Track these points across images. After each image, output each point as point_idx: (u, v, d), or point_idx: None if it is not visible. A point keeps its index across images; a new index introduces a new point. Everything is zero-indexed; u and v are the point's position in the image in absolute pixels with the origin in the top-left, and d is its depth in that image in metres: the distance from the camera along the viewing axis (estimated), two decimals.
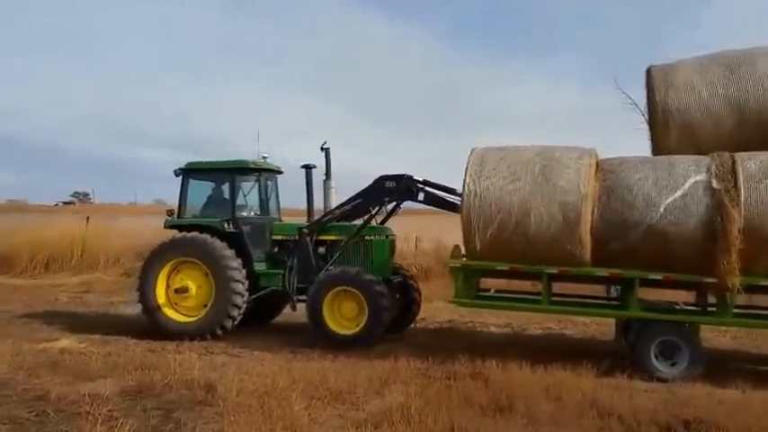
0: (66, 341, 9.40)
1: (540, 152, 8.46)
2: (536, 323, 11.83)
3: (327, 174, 10.67)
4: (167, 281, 10.19)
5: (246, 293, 10.02)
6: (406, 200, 10.09)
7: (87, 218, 21.16)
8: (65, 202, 63.39)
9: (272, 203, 11.40)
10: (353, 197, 10.31)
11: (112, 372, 7.44)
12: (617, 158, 8.44)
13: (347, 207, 10.30)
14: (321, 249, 10.47)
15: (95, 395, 6.30)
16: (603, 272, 8.19)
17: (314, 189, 10.92)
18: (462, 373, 7.63)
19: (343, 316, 9.61)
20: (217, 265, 9.87)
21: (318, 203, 11.07)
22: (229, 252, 9.95)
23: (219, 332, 9.88)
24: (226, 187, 10.69)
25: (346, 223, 10.43)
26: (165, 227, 10.75)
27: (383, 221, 10.58)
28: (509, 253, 8.25)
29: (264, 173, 11.11)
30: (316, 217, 10.79)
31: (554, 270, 8.21)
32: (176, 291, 10.13)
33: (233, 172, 10.61)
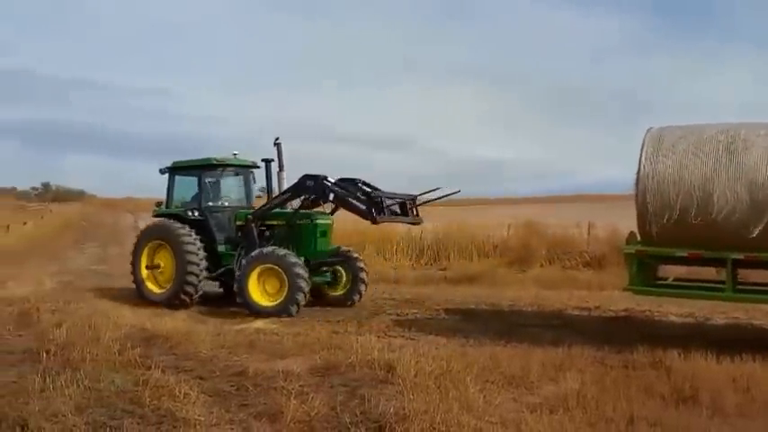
0: (260, 322, 10.31)
1: (724, 130, 7.88)
2: (721, 312, 10.99)
3: (280, 166, 12.02)
4: (148, 259, 12.21)
5: (203, 270, 11.71)
6: (320, 198, 11.35)
7: None
8: (260, 190, 68.53)
9: (242, 194, 13.17)
10: (284, 191, 11.93)
11: (301, 351, 8.00)
12: None
13: (280, 199, 11.90)
14: (267, 233, 11.99)
15: (288, 372, 6.79)
16: None
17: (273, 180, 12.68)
18: (641, 362, 7.37)
19: (267, 290, 10.99)
20: (177, 244, 11.69)
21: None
22: (187, 233, 11.70)
23: (186, 299, 11.64)
24: (196, 181, 12.57)
25: (284, 210, 11.93)
26: (152, 216, 13.15)
27: (306, 208, 11.72)
28: (689, 238, 7.79)
29: (233, 168, 12.93)
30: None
31: (740, 256, 7.63)
32: (150, 267, 12.17)
33: (201, 168, 12.53)
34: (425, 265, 19.60)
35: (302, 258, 11.22)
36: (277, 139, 12.24)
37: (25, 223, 33.05)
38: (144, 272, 12.23)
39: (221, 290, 12.92)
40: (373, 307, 12.15)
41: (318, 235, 11.82)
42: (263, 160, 12.59)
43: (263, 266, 11.00)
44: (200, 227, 12.07)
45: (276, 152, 12.36)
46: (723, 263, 7.82)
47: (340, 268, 12.32)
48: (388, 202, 10.92)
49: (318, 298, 12.10)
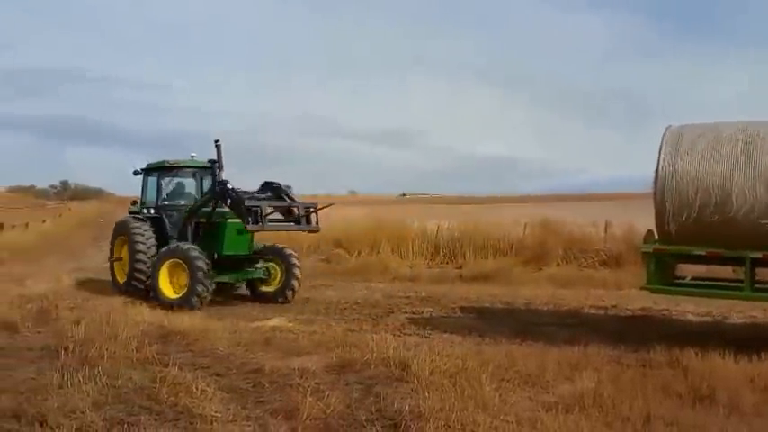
0: (276, 320, 10.39)
1: (744, 128, 7.80)
2: (738, 312, 10.87)
3: (220, 166, 12.52)
4: (117, 252, 13.44)
5: (149, 259, 12.44)
6: (222, 200, 12.04)
7: None
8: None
9: (195, 192, 13.83)
10: (205, 193, 13.06)
11: (317, 348, 8.01)
12: None
13: (203, 200, 12.85)
14: (199, 231, 12.79)
15: (304, 369, 6.82)
16: None
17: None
18: (658, 361, 7.33)
19: (178, 283, 11.63)
20: (130, 237, 12.82)
21: None
22: (138, 228, 12.87)
23: (138, 285, 12.49)
24: (155, 181, 13.65)
25: (206, 209, 12.52)
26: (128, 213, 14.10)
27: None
28: (707, 236, 7.73)
29: (190, 169, 13.75)
30: None
31: (758, 255, 7.55)
32: (115, 259, 13.44)
33: (159, 170, 13.64)
34: (441, 263, 19.55)
35: (216, 254, 12.11)
36: (217, 141, 12.76)
37: (44, 221, 33.40)
38: (117, 264, 13.45)
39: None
40: (388, 305, 12.16)
41: (233, 233, 12.26)
42: (208, 161, 12.85)
43: (171, 261, 11.73)
44: (157, 223, 13.22)
45: (216, 153, 12.71)
46: (741, 262, 7.75)
47: (274, 265, 12.96)
48: (269, 210, 11.53)
49: (253, 293, 13.07)
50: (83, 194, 76.96)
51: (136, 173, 13.89)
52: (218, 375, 6.73)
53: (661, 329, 9.41)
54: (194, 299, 11.32)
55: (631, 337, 8.53)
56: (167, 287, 11.66)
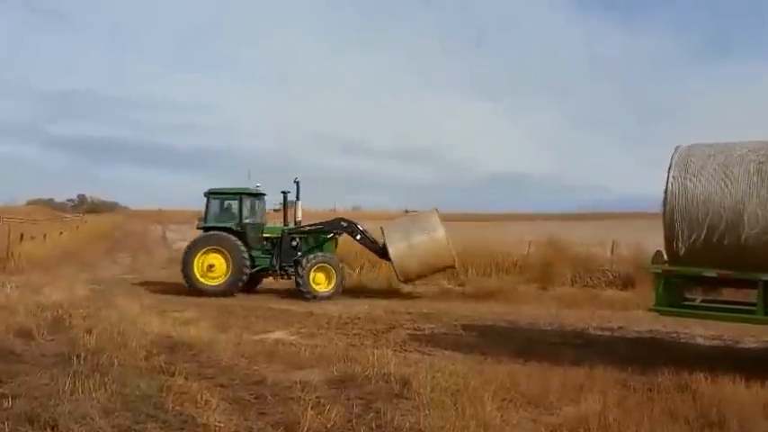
0: (280, 333, 10.43)
1: (755, 148, 7.70)
2: (751, 336, 10.67)
3: (297, 197, 17.52)
4: (203, 260, 16.23)
5: (249, 267, 16.23)
6: (352, 235, 17.04)
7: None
8: (275, 210, 69.58)
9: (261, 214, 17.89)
10: (318, 224, 17.40)
11: (319, 362, 8.01)
12: None
13: (315, 225, 17.44)
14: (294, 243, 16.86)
15: (305, 383, 6.78)
16: None
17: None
18: (666, 385, 7.18)
19: (322, 281, 16.05)
20: (231, 248, 16.15)
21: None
22: (236, 242, 16.15)
23: (239, 286, 16.08)
24: (237, 204, 17.04)
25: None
26: (196, 228, 17.50)
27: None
28: (718, 258, 7.60)
29: (254, 196, 17.45)
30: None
31: None
32: (210, 266, 16.17)
33: (240, 194, 17.02)
34: (443, 280, 19.48)
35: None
36: (296, 178, 17.21)
37: (61, 233, 34.01)
38: (198, 271, 16.20)
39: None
40: (390, 321, 12.09)
41: (332, 246, 16.94)
42: (282, 192, 17.44)
43: (320, 265, 15.90)
44: (241, 236, 16.47)
45: (296, 187, 17.28)
46: (753, 284, 7.60)
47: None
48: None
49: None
50: (99, 208, 77.78)
51: (205, 194, 17.21)
52: (222, 386, 6.73)
53: (669, 353, 9.24)
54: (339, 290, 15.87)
55: (638, 360, 8.37)
56: (314, 285, 15.73)
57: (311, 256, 16.05)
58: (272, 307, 14.02)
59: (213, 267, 16.12)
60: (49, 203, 78.39)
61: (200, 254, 16.21)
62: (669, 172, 7.98)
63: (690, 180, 7.82)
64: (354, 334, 10.56)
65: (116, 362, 7.26)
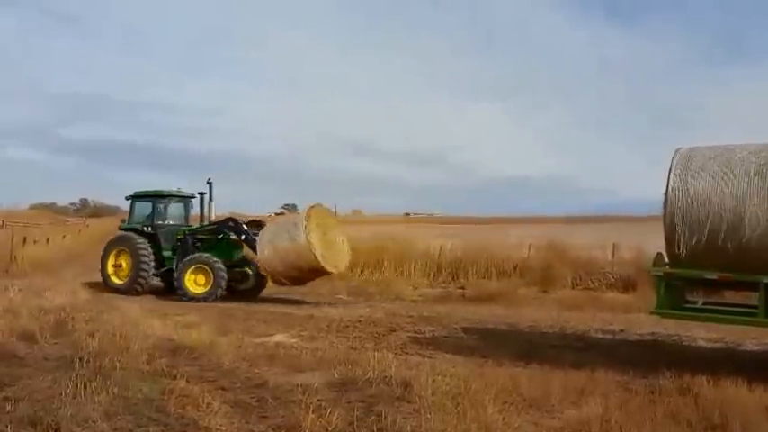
0: (281, 336, 10.39)
1: (756, 151, 7.70)
2: (752, 338, 10.64)
3: (210, 198, 17.78)
4: (115, 261, 16.99)
5: (152, 267, 16.64)
6: (237, 234, 16.83)
7: None
8: (277, 213, 69.75)
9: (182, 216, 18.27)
10: (210, 223, 17.52)
11: (320, 365, 7.98)
12: None
13: (208, 225, 17.55)
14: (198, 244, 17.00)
15: (306, 386, 6.77)
16: None
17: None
18: (668, 388, 7.16)
19: (198, 282, 16.02)
20: (133, 249, 16.66)
21: None
22: (142, 242, 16.72)
23: (139, 288, 16.41)
24: (150, 206, 17.69)
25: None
26: (119, 229, 18.46)
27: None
28: (719, 260, 7.59)
29: (177, 197, 18.15)
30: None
31: None
32: (117, 266, 16.96)
33: (153, 197, 17.70)
34: (443, 283, 19.48)
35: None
36: (209, 179, 17.52)
37: (64, 237, 34.17)
38: (109, 269, 16.98)
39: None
40: (390, 324, 12.06)
41: (233, 247, 16.96)
42: (198, 193, 17.78)
43: (195, 266, 15.96)
44: (152, 239, 17.03)
45: (209, 188, 17.56)
46: (755, 286, 7.58)
47: (248, 270, 16.88)
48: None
49: (232, 292, 16.24)
50: (101, 212, 77.73)
51: (127, 198, 18.04)
52: (223, 389, 6.73)
53: (671, 355, 9.21)
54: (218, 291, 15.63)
55: (640, 363, 8.35)
56: (195, 286, 15.76)
57: (191, 257, 16.17)
58: (272, 310, 14.01)
59: (121, 267, 16.85)
60: (51, 207, 78.48)
61: (112, 254, 17.01)
62: (670, 174, 7.98)
63: (690, 182, 7.81)
64: (355, 337, 10.55)
65: (118, 365, 7.28)
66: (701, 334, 10.95)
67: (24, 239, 24.16)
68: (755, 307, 7.75)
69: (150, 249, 16.69)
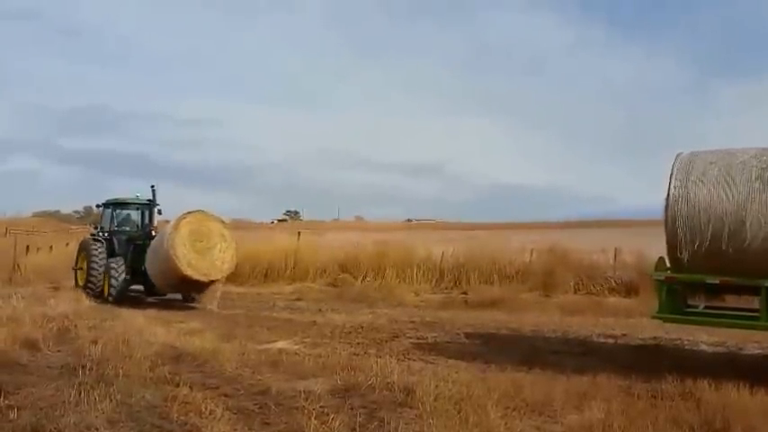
0: (283, 343, 10.38)
1: (757, 155, 7.71)
2: (754, 342, 10.65)
3: (154, 204, 18.20)
4: (81, 263, 18.16)
5: (102, 269, 17.17)
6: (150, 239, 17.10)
7: (299, 233, 23.22)
8: (279, 220, 69.84)
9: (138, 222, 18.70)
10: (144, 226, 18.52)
11: (323, 371, 7.97)
12: None
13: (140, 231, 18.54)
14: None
15: (309, 392, 6.78)
16: None
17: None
18: (670, 393, 7.15)
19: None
20: (88, 253, 17.64)
21: None
22: (96, 247, 17.64)
23: (93, 288, 16.94)
24: (110, 213, 18.75)
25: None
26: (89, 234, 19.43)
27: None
28: (721, 265, 7.59)
29: (134, 204, 18.71)
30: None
31: None
32: (77, 268, 18.47)
33: (113, 205, 18.72)
34: (446, 288, 19.47)
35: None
36: (153, 185, 18.11)
37: (67, 244, 34.07)
38: (80, 273, 18.15)
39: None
40: (393, 330, 12.07)
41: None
42: (147, 200, 18.21)
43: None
44: (110, 244, 17.85)
45: (152, 194, 18.03)
46: (757, 291, 7.59)
47: None
48: None
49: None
50: None
51: (98, 206, 19.60)
52: (226, 396, 6.74)
53: (673, 360, 9.20)
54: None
55: (642, 367, 8.34)
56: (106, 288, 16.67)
57: (108, 261, 17.18)
58: (275, 316, 14.05)
59: (82, 269, 18.16)
60: (55, 215, 78.58)
61: (79, 258, 18.58)
62: (671, 179, 7.99)
63: (691, 187, 7.82)
64: (357, 343, 10.54)
65: (121, 372, 7.31)
66: (703, 338, 10.95)
67: (27, 247, 24.27)
68: (757, 311, 7.75)
69: (104, 254, 17.50)
